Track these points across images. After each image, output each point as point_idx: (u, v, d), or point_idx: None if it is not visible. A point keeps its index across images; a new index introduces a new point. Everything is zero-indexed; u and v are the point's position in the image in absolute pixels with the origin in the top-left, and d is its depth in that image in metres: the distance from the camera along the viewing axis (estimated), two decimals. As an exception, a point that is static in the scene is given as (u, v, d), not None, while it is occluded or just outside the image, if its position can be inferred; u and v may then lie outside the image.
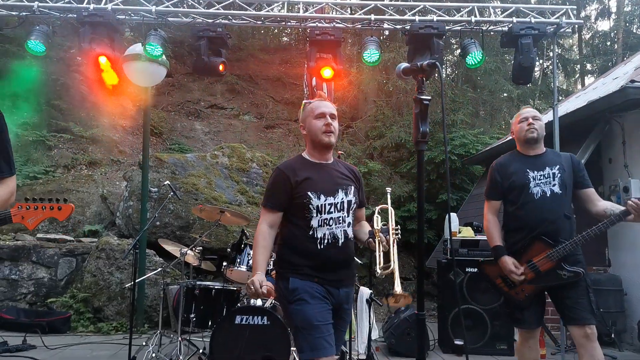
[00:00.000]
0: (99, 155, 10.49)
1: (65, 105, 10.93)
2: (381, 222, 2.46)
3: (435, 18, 5.21)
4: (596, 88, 7.23)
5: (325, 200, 2.37)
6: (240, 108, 15.06)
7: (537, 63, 16.22)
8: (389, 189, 2.86)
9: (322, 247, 2.34)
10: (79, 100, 10.78)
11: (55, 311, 6.11)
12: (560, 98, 14.79)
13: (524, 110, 3.25)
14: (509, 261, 3.03)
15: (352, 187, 2.49)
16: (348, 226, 2.44)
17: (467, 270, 5.13)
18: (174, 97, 14.53)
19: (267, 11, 5.48)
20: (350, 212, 2.46)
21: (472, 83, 13.44)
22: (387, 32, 12.03)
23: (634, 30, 19.55)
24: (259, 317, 3.70)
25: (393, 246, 2.36)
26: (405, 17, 5.34)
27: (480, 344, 5.03)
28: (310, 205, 2.34)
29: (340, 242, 2.38)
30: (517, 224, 3.08)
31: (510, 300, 3.14)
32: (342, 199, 2.42)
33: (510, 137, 3.30)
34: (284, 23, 5.67)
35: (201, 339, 4.69)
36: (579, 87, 18.76)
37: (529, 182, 3.05)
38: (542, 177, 3.05)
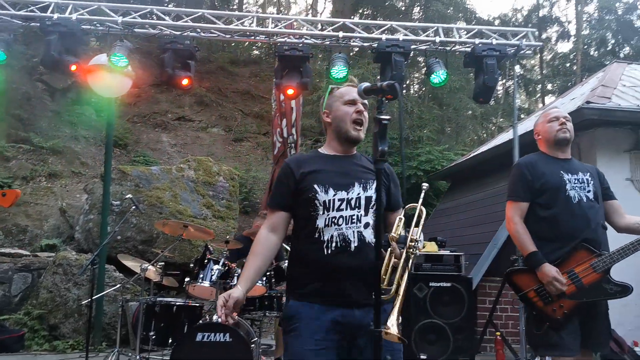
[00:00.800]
0: (60, 167, 10.18)
1: (26, 114, 10.60)
2: (405, 229, 1.94)
3: (401, 37, 5.33)
4: (555, 108, 7.51)
5: (334, 195, 1.97)
6: (208, 121, 14.94)
7: (500, 82, 16.75)
8: (425, 185, 2.22)
9: (329, 252, 1.91)
10: (41, 109, 10.48)
11: (8, 329, 5.84)
12: (522, 116, 15.30)
13: (553, 110, 2.96)
14: (551, 269, 2.58)
15: (375, 183, 1.97)
16: (366, 227, 1.96)
17: (430, 284, 5.19)
18: (141, 108, 14.30)
19: (237, 25, 5.48)
20: (371, 210, 1.98)
21: (438, 100, 13.76)
22: (356, 49, 12.22)
23: (592, 53, 20.48)
24: (221, 334, 3.62)
25: (405, 264, 1.84)
26: (373, 35, 5.44)
27: (443, 357, 5.07)
28: (317, 201, 1.95)
29: (352, 246, 1.91)
30: (553, 230, 2.68)
31: (544, 318, 2.64)
32: (359, 194, 1.99)
33: (536, 138, 2.96)
34: (253, 38, 5.68)
35: (161, 358, 4.56)
36: (540, 105, 19.47)
37: (565, 184, 2.70)
38: (576, 182, 2.72)
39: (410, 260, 1.85)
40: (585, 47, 20.12)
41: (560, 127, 2.81)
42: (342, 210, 1.95)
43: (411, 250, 1.85)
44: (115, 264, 6.24)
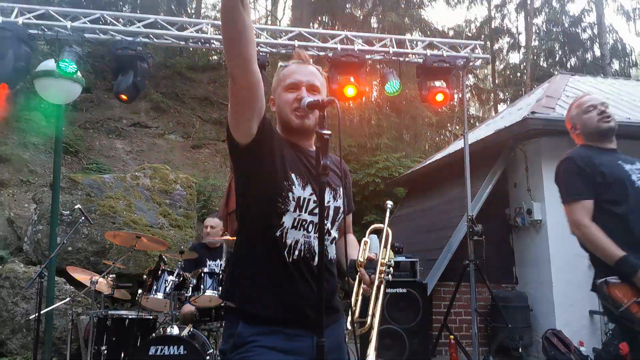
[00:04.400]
0: (7, 175, 9.74)
1: (-31, 120, 10.11)
2: (370, 250, 1.73)
3: (356, 47, 5.42)
4: (503, 117, 7.82)
5: (311, 195, 1.63)
6: (165, 127, 14.64)
7: (454, 91, 17.27)
8: (389, 203, 2.04)
9: (290, 259, 1.59)
10: (-14, 115, 10.00)
11: (-52, 348, 5.53)
12: (476, 124, 15.79)
13: (586, 98, 2.59)
14: None
15: (341, 190, 1.76)
16: (331, 243, 1.73)
17: (387, 291, 5.28)
18: (93, 113, 13.86)
19: (191, 32, 5.43)
20: (336, 224, 1.75)
21: (396, 108, 14.02)
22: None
23: (541, 63, 21.38)
24: (175, 347, 3.57)
25: (377, 292, 1.65)
26: (329, 44, 5.52)
27: (399, 362, 5.17)
28: (291, 193, 1.61)
29: (316, 259, 1.60)
30: (628, 231, 2.23)
31: None
32: (329, 202, 1.69)
33: (573, 132, 2.61)
34: (207, 45, 5.64)
35: (113, 372, 4.43)
36: (493, 114, 20.15)
37: (629, 175, 2.31)
38: (638, 171, 2.33)
39: (383, 287, 1.68)
40: (535, 57, 21.00)
41: (602, 116, 2.45)
42: (314, 215, 1.63)
43: (383, 275, 1.68)
44: (65, 277, 6.02)
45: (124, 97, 5.09)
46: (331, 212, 1.71)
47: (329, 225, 1.70)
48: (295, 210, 1.62)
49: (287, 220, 1.61)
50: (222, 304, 4.18)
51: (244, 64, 1.47)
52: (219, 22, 5.41)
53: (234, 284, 1.66)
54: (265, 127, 1.61)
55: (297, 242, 1.61)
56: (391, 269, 1.71)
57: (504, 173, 6.44)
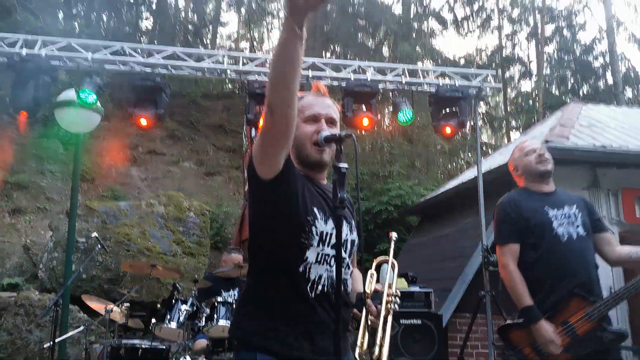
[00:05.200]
0: (24, 203, 9.90)
1: (-11, 148, 10.35)
2: (377, 281, 1.76)
3: (369, 77, 5.50)
4: (528, 140, 7.79)
5: (332, 229, 1.60)
6: (179, 154, 14.85)
7: (466, 119, 17.31)
8: (394, 234, 2.05)
9: (313, 294, 1.56)
10: (6, 143, 10.24)
11: (-39, 375, 5.54)
12: (489, 152, 15.75)
13: (527, 143, 2.81)
14: (548, 328, 2.40)
15: (354, 223, 1.77)
16: (349, 276, 1.72)
17: (401, 322, 5.20)
18: (110, 141, 14.11)
19: (208, 63, 5.56)
20: (351, 257, 1.75)
21: (408, 136, 14.08)
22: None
23: (553, 91, 21.41)
24: (188, 378, 3.54)
25: (385, 321, 1.64)
26: (341, 74, 5.60)
27: (415, 396, 5.04)
28: (314, 228, 1.59)
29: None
30: (544, 275, 2.48)
31: None
32: (347, 236, 1.69)
33: (515, 174, 2.83)
34: (224, 75, 5.76)
35: (125, 403, 4.38)
36: (506, 141, 20.12)
37: (552, 221, 2.52)
38: (563, 217, 2.54)
39: (390, 318, 1.66)
40: (547, 85, 21.04)
41: (540, 159, 2.66)
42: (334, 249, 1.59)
43: (390, 305, 1.66)
44: (79, 304, 6.04)
45: (144, 122, 5.14)
46: (348, 245, 1.71)
47: (347, 257, 1.68)
48: (318, 245, 1.60)
49: (311, 255, 1.58)
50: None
51: (290, 98, 1.44)
52: (236, 54, 5.54)
53: (248, 318, 1.61)
54: (289, 162, 1.58)
55: (320, 277, 1.59)
56: (398, 299, 1.70)
57: (518, 202, 6.36)
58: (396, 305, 1.67)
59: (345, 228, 1.66)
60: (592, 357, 2.40)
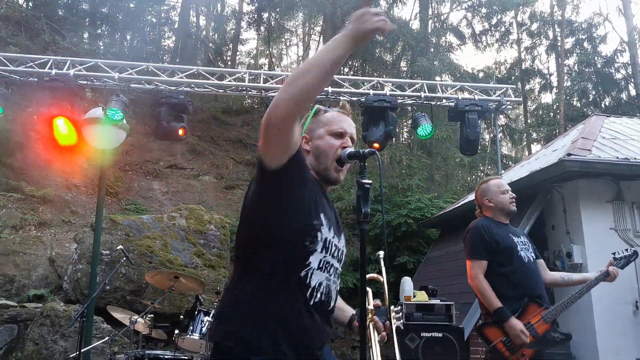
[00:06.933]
0: (50, 216, 10.15)
1: (17, 163, 10.66)
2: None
3: (388, 92, 5.56)
4: (538, 159, 7.73)
5: (333, 238, 1.62)
6: (200, 168, 15.06)
7: (486, 132, 17.21)
8: (381, 253, 2.04)
9: (312, 301, 1.53)
10: (33, 158, 10.55)
11: (-10, 385, 5.67)
12: (509, 164, 15.60)
13: (503, 182, 3.29)
14: (517, 323, 2.95)
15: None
16: (338, 287, 1.72)
17: (422, 334, 5.17)
18: (133, 156, 14.41)
19: (229, 81, 5.70)
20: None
21: (427, 149, 14.05)
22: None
23: (574, 103, 21.15)
24: (210, 389, 3.58)
25: (393, 340, 1.68)
26: (361, 90, 5.68)
27: (436, 410, 4.99)
28: (319, 233, 1.56)
29: (331, 304, 1.61)
30: (513, 286, 3.04)
31: None
32: (343, 247, 1.69)
33: (479, 207, 3.30)
34: (245, 92, 5.89)
35: (148, 413, 4.44)
36: (526, 153, 19.90)
37: (516, 245, 3.10)
38: (522, 244, 3.13)
39: (395, 333, 1.70)
40: (568, 97, 20.81)
41: (512, 200, 3.19)
42: (335, 258, 1.61)
43: (395, 321, 1.71)
44: (103, 315, 6.15)
45: (181, 132, 5.33)
46: (342, 256, 1.70)
47: (340, 269, 1.69)
48: (322, 251, 1.56)
49: (314, 260, 1.54)
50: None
51: (310, 101, 1.47)
52: (256, 72, 5.65)
53: (238, 323, 1.51)
54: (301, 158, 1.54)
55: (320, 284, 1.55)
56: (401, 313, 1.79)
57: (540, 215, 6.31)
58: (402, 321, 1.74)
59: (342, 239, 1.69)
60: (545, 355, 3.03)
